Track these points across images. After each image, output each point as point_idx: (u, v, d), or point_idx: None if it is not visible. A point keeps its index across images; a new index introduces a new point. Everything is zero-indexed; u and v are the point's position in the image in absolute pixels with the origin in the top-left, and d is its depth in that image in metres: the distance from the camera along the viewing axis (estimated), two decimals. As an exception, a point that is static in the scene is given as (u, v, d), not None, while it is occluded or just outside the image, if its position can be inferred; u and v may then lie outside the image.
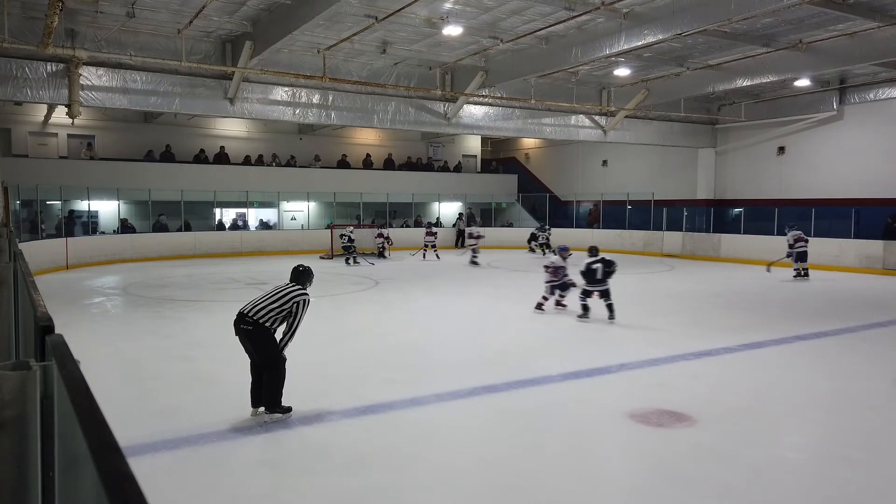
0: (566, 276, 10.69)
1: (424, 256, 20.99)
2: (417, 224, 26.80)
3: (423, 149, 29.39)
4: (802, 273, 15.59)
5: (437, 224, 27.31)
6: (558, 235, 26.10)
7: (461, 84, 17.61)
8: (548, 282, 10.78)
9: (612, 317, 9.87)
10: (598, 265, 9.88)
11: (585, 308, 10.10)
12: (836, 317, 10.84)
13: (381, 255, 21.30)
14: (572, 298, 10.67)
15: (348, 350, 8.19)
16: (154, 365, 7.41)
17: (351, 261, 19.12)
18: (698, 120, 22.63)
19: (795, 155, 21.17)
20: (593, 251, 10.27)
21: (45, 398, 1.11)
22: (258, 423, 5.36)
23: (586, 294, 10.11)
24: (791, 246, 15.61)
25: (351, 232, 19.58)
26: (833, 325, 10.09)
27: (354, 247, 19.32)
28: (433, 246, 20.99)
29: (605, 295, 9.94)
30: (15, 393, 1.07)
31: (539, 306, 10.86)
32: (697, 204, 23.63)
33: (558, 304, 10.98)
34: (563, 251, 10.88)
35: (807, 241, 15.68)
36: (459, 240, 26.42)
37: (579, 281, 10.32)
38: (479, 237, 19.97)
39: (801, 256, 15.54)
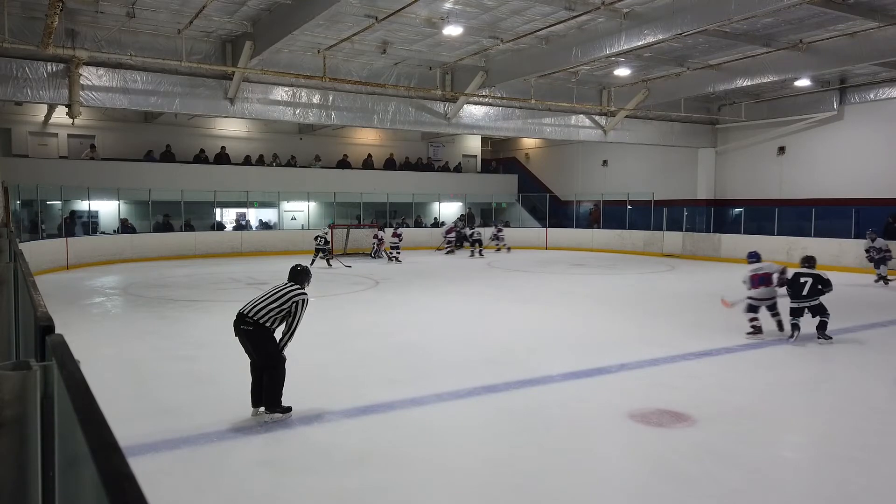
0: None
1: (389, 259, 20.16)
2: (417, 224, 26.81)
3: (423, 149, 29.40)
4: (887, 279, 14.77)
5: (437, 224, 27.28)
6: (556, 235, 26.19)
7: (461, 84, 17.61)
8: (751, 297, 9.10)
9: (825, 337, 8.60)
10: (808, 280, 8.53)
11: (796, 327, 8.63)
12: (836, 317, 10.79)
13: (373, 255, 21.15)
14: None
15: (348, 350, 8.19)
16: (154, 365, 7.41)
17: (325, 262, 18.58)
18: (698, 120, 22.63)
19: (795, 155, 21.17)
20: (810, 261, 8.85)
21: (46, 398, 1.11)
22: (258, 423, 5.36)
23: (792, 313, 8.65)
24: (882, 250, 14.76)
25: (326, 234, 19.21)
26: (833, 325, 10.05)
27: (329, 249, 18.86)
28: (396, 247, 20.25)
29: (816, 311, 8.58)
30: (15, 393, 1.07)
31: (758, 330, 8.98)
32: (697, 204, 23.64)
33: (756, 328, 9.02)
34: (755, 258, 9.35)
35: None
36: (461, 242, 26.22)
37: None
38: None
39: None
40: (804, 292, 8.49)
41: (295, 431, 5.27)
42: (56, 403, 1.10)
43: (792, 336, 8.62)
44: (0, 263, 2.85)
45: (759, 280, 8.99)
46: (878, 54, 14.42)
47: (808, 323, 8.75)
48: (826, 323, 8.59)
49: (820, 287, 8.51)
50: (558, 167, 29.66)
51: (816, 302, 8.54)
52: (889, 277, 14.92)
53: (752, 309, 9.04)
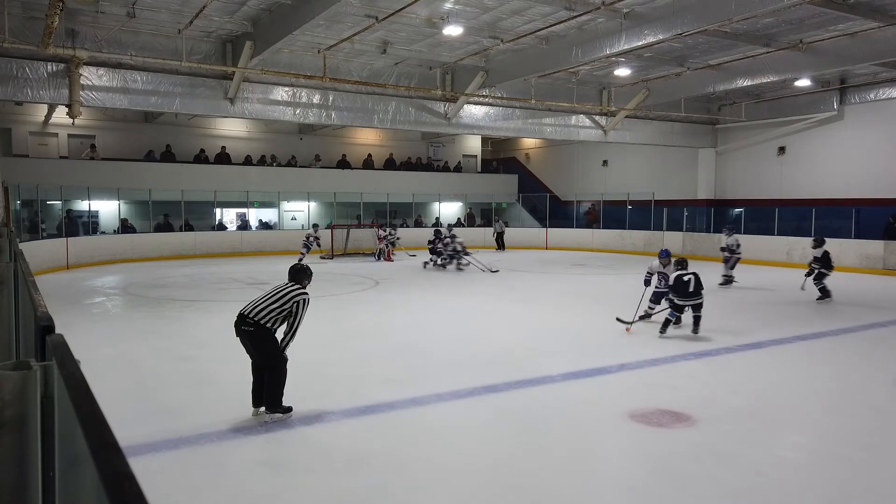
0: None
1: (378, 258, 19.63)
2: (417, 224, 26.79)
3: (423, 149, 29.40)
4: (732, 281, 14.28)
5: (438, 224, 27.16)
6: (556, 235, 26.19)
7: (461, 84, 17.61)
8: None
9: (696, 331, 8.91)
10: (691, 277, 8.82)
11: (668, 324, 8.98)
12: (836, 317, 10.84)
13: (377, 257, 21.00)
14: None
15: (349, 350, 8.19)
16: (154, 365, 7.41)
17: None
18: (698, 120, 22.63)
19: (795, 155, 21.17)
20: (683, 263, 9.21)
21: (46, 398, 1.11)
22: (259, 423, 5.36)
23: (679, 310, 8.89)
24: (733, 251, 14.22)
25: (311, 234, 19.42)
26: (833, 325, 10.09)
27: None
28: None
29: (697, 309, 8.90)
30: (15, 393, 1.07)
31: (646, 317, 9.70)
32: (698, 204, 23.63)
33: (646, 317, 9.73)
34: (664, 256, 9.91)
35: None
36: (498, 239, 25.63)
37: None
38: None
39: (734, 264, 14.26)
40: (690, 289, 8.74)
41: (295, 431, 5.27)
42: (56, 403, 1.10)
43: (663, 331, 8.94)
44: (0, 263, 2.85)
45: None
46: (878, 54, 14.42)
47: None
48: (700, 318, 8.92)
49: (696, 285, 8.81)
50: (558, 167, 29.66)
51: (701, 299, 8.85)
52: (731, 277, 14.31)
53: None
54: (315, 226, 20.42)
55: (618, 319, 9.60)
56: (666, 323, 8.96)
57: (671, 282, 8.92)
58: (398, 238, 21.55)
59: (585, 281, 16.21)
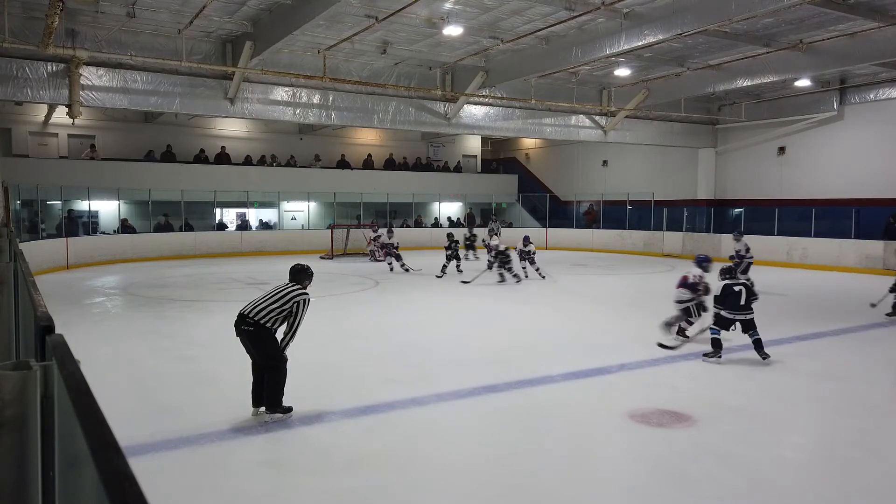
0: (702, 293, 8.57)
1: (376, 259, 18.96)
2: (417, 224, 26.78)
3: (423, 149, 29.41)
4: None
5: (437, 225, 27.17)
6: (556, 235, 26.18)
7: (461, 84, 17.61)
8: (681, 300, 8.66)
9: (765, 355, 7.64)
10: (742, 288, 7.79)
11: (718, 344, 7.77)
12: (836, 317, 10.84)
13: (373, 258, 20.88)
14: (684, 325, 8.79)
15: (349, 350, 8.19)
16: (154, 365, 7.41)
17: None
18: (698, 120, 22.63)
19: (796, 155, 21.17)
20: (731, 272, 8.15)
21: (46, 398, 1.11)
22: (259, 423, 5.36)
23: (723, 324, 7.80)
24: (742, 256, 13.32)
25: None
26: (833, 325, 10.09)
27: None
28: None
29: (749, 326, 7.73)
30: (15, 393, 1.07)
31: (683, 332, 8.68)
32: (698, 204, 23.63)
33: (683, 332, 8.71)
34: (705, 262, 8.75)
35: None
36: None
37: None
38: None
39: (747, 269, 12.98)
40: (741, 302, 7.71)
41: (295, 431, 5.27)
42: (56, 403, 1.10)
43: (716, 353, 7.74)
44: (0, 263, 2.85)
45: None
46: (878, 54, 14.42)
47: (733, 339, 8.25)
48: (760, 341, 7.74)
49: (747, 297, 7.77)
50: (558, 167, 29.67)
51: (752, 315, 7.76)
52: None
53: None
54: (379, 228, 19.56)
55: (660, 345, 8.37)
56: (716, 346, 7.75)
57: (718, 292, 7.87)
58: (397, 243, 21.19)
59: (585, 281, 16.21)
